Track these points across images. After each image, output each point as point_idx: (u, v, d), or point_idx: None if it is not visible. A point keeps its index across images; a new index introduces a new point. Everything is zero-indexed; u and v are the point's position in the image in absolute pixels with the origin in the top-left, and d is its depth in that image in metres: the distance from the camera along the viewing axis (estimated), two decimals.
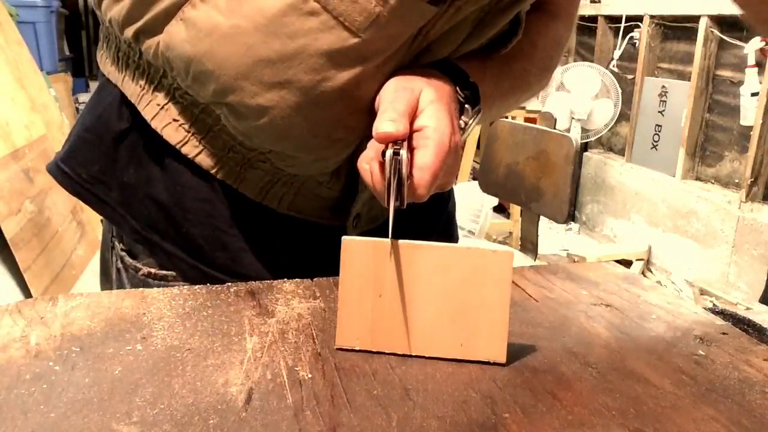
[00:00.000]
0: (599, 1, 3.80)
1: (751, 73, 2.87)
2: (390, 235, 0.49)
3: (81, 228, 2.83)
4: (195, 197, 0.67)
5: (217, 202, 0.67)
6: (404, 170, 0.51)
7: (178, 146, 0.65)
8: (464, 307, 0.49)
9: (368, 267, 0.49)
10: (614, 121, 3.60)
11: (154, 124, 0.65)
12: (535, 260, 2.17)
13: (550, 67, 0.76)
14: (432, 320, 0.49)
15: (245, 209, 0.68)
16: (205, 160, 0.65)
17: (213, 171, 0.65)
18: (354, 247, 0.49)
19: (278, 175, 0.66)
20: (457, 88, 0.61)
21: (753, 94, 2.87)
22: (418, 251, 0.49)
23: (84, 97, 4.31)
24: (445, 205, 0.85)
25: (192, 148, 0.65)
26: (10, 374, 0.45)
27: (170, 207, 0.68)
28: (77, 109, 3.38)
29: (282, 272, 0.68)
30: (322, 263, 0.66)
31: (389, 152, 0.51)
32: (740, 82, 2.97)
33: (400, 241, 0.49)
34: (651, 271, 3.49)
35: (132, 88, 0.66)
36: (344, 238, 0.49)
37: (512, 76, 0.70)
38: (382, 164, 0.52)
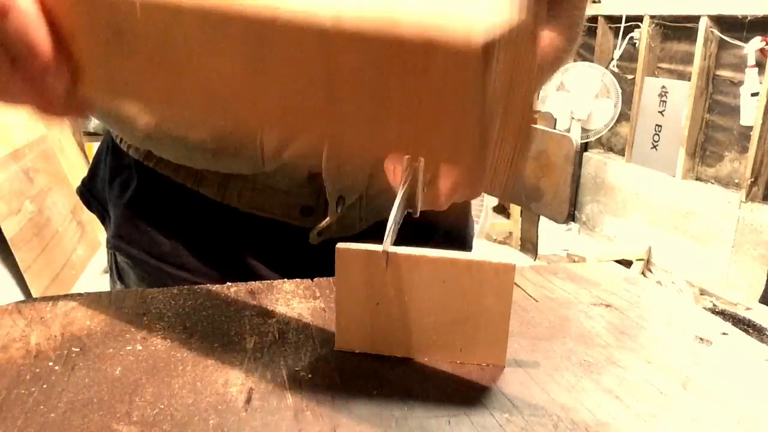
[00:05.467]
0: (599, 1, 3.80)
1: (751, 73, 2.88)
2: (388, 244, 0.47)
3: (81, 228, 2.83)
4: (160, 204, 0.70)
5: (182, 209, 0.69)
6: (419, 178, 0.49)
7: (139, 157, 0.69)
8: (464, 316, 0.48)
9: (364, 276, 0.48)
10: (614, 121, 3.60)
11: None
12: (535, 260, 2.18)
13: (577, 23, 0.73)
14: (431, 329, 0.48)
15: (210, 213, 0.69)
16: (164, 168, 0.68)
17: (173, 176, 0.67)
18: (348, 256, 0.48)
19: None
20: None
21: (753, 94, 2.87)
22: (415, 262, 0.47)
23: None
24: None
25: (152, 158, 0.68)
26: (10, 374, 0.45)
27: (136, 213, 0.71)
28: None
29: (254, 275, 0.69)
30: (302, 266, 0.67)
31: (406, 158, 0.49)
32: (740, 82, 2.97)
33: (396, 250, 0.47)
34: (651, 271, 3.49)
35: None
36: (338, 245, 0.48)
37: (542, 56, 0.67)
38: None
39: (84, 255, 2.77)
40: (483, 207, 3.28)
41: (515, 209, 3.61)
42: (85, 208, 0.79)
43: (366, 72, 0.35)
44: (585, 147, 4.06)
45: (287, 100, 0.39)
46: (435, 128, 0.35)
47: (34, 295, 2.16)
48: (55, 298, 0.56)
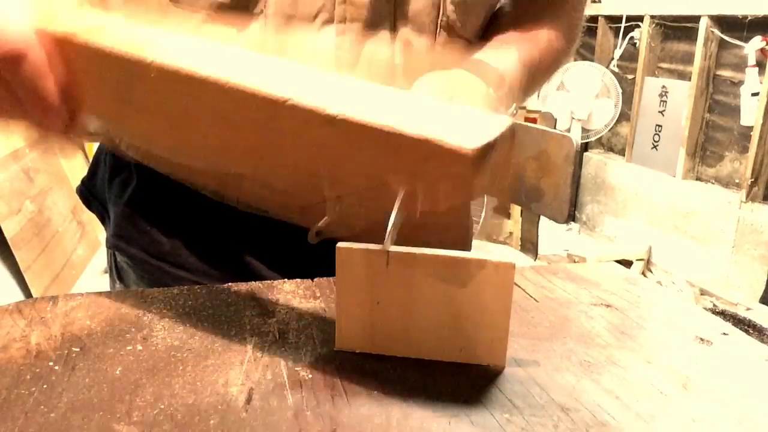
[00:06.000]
0: (599, 1, 3.80)
1: (751, 73, 2.88)
2: (389, 243, 0.47)
3: (81, 228, 2.83)
4: (160, 203, 0.70)
5: (181, 209, 0.69)
6: None
7: (138, 157, 0.68)
8: (464, 315, 0.48)
9: (364, 275, 0.48)
10: (614, 121, 3.60)
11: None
12: (535, 260, 2.18)
13: (575, 24, 0.73)
14: (431, 328, 0.48)
15: (209, 212, 0.68)
16: (163, 168, 0.67)
17: (172, 175, 0.67)
18: (349, 255, 0.48)
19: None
20: (490, 91, 0.59)
21: (753, 94, 2.87)
22: (416, 260, 0.47)
23: None
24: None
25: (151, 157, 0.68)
26: (10, 374, 0.45)
27: (136, 213, 0.70)
28: None
29: (254, 274, 0.68)
30: (303, 266, 0.66)
31: None
32: (740, 82, 2.97)
33: (397, 249, 0.47)
34: (651, 272, 3.49)
35: None
36: (339, 245, 0.48)
37: (541, 57, 0.68)
38: None
39: (84, 255, 2.77)
40: (483, 207, 3.28)
41: (515, 209, 3.60)
42: (85, 207, 0.79)
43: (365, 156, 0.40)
44: (585, 147, 4.06)
45: (292, 174, 0.43)
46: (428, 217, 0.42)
47: (34, 295, 2.16)
48: (55, 298, 0.56)
